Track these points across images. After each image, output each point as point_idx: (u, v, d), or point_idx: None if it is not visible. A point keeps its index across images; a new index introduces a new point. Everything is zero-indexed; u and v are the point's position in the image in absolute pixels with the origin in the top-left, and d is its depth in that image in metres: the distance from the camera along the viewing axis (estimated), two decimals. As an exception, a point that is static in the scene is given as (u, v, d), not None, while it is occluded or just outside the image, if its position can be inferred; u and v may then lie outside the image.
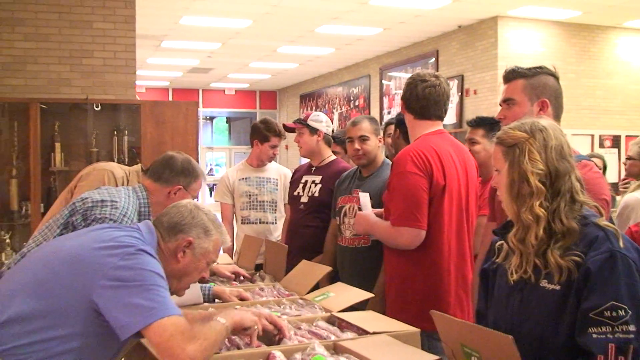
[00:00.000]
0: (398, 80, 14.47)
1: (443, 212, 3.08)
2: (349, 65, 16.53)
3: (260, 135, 5.00)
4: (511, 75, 2.70)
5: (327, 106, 18.05)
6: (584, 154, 2.61)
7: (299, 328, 2.60)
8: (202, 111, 20.70)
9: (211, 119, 23.91)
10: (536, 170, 1.95)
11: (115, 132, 7.05)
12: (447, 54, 12.84)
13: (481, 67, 11.78)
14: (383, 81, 15.04)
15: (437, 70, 12.97)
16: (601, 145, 12.00)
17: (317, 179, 4.43)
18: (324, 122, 4.51)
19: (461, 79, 12.32)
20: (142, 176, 3.29)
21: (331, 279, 3.87)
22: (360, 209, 3.42)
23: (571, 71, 11.64)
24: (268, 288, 3.35)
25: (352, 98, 16.67)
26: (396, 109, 14.30)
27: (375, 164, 3.92)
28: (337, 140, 4.93)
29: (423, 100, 3.23)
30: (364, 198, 3.45)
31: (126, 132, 7.02)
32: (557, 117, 2.65)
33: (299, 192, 4.52)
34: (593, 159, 5.02)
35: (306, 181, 4.52)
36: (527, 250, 1.97)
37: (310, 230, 4.32)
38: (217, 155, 24.12)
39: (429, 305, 2.89)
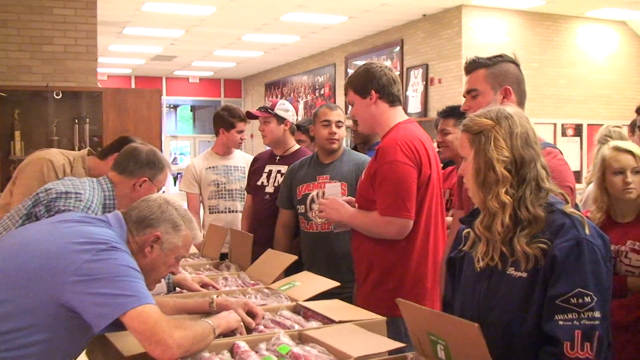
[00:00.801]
0: (363, 69, 14.40)
1: (427, 202, 3.07)
2: (315, 53, 16.48)
3: (225, 122, 4.94)
4: (472, 66, 2.68)
5: (292, 95, 17.98)
6: (548, 142, 2.61)
7: (263, 318, 2.57)
8: (166, 99, 20.47)
9: (175, 107, 23.66)
10: (502, 157, 1.94)
11: (77, 120, 6.95)
12: (412, 43, 12.85)
13: (446, 56, 11.82)
14: (348, 70, 15.00)
15: (403, 59, 13.00)
16: (564, 134, 12.16)
17: (283, 168, 4.38)
18: (290, 112, 4.46)
19: (426, 68, 12.35)
20: (95, 162, 3.21)
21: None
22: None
23: (535, 60, 11.75)
24: (232, 277, 3.30)
25: (317, 87, 16.63)
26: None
27: (339, 151, 3.92)
28: (302, 129, 4.89)
29: (398, 84, 3.21)
30: (334, 189, 3.42)
31: (87, 120, 6.92)
32: (520, 104, 2.65)
33: (263, 182, 4.45)
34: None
35: (270, 171, 4.45)
36: (493, 238, 1.97)
37: (276, 220, 4.27)
38: (182, 144, 23.89)
39: (412, 295, 2.89)
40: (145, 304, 2.01)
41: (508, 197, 1.92)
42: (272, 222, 4.19)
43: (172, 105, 23.15)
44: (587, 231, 1.88)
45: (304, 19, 12.49)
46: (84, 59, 7.22)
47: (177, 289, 3.07)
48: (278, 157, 4.47)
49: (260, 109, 4.48)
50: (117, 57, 16.97)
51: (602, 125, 4.71)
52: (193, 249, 4.14)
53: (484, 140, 1.98)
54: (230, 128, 4.93)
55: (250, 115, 4.77)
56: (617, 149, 3.08)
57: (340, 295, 2.99)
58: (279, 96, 18.35)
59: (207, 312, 2.54)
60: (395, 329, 2.61)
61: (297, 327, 2.45)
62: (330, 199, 3.27)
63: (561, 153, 2.59)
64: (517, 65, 2.70)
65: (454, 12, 11.63)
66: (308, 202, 3.86)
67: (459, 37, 11.51)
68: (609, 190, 3.09)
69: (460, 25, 11.49)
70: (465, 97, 2.73)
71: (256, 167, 4.59)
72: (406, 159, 3.01)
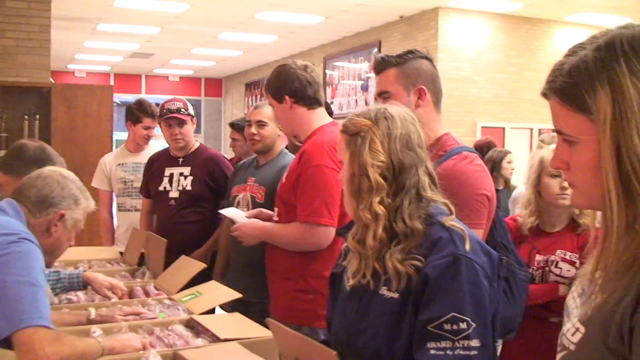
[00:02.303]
0: (341, 70, 14.26)
1: None
2: (294, 54, 16.24)
3: (132, 116, 4.72)
4: (381, 66, 2.44)
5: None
6: (464, 147, 2.39)
7: (151, 333, 2.36)
8: (145, 98, 20.13)
9: (156, 105, 23.35)
10: (377, 162, 1.72)
11: (26, 117, 6.70)
12: (389, 45, 12.65)
13: (422, 59, 11.59)
14: (327, 71, 14.81)
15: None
16: (552, 139, 11.96)
17: (186, 170, 4.15)
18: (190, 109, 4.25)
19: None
20: None
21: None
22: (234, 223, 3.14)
23: (512, 64, 11.56)
24: (138, 287, 3.09)
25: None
26: (339, 99, 14.12)
27: (272, 152, 3.71)
28: (236, 127, 4.69)
29: (315, 85, 3.01)
30: (232, 213, 3.20)
31: (37, 116, 6.67)
32: (436, 103, 2.43)
33: (165, 187, 4.18)
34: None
35: (172, 174, 4.19)
36: (365, 253, 1.74)
37: (185, 227, 4.04)
38: (163, 143, 23.56)
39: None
40: (37, 325, 1.88)
41: (382, 208, 1.70)
42: (187, 228, 3.97)
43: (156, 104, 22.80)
44: (467, 247, 1.65)
45: (279, 18, 12.27)
46: (37, 54, 6.98)
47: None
48: (181, 159, 4.22)
49: (177, 111, 4.13)
50: (94, 54, 16.72)
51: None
52: (114, 254, 3.93)
53: (360, 142, 1.76)
54: (136, 122, 4.71)
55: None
56: None
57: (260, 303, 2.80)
58: (259, 96, 18.11)
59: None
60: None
61: (179, 344, 2.25)
62: (241, 225, 3.05)
63: (481, 158, 2.38)
64: (430, 60, 2.48)
65: (430, 14, 11.44)
66: (235, 204, 3.65)
67: (435, 39, 11.31)
68: (542, 194, 2.88)
69: (437, 27, 11.29)
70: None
71: (154, 171, 4.29)
72: (332, 163, 2.81)
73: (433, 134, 2.36)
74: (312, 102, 2.98)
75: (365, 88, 13.35)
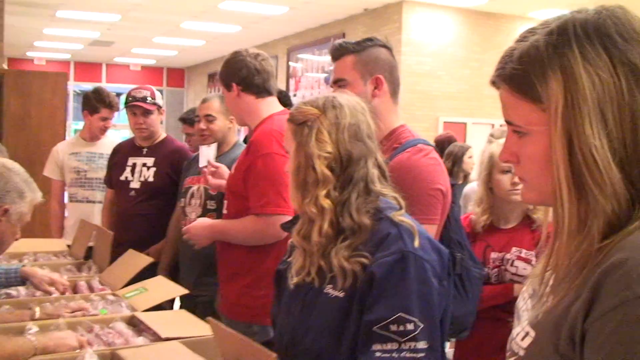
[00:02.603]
0: (305, 62, 14.15)
1: None
2: (257, 45, 16.06)
3: (89, 105, 4.56)
4: (338, 52, 2.35)
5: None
6: (420, 139, 2.31)
7: (90, 331, 2.25)
8: (107, 86, 19.76)
9: (118, 95, 23.02)
10: (324, 153, 1.63)
11: (-23, 104, 6.48)
12: (353, 37, 12.38)
13: (385, 52, 11.52)
14: (290, 63, 14.69)
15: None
16: (502, 134, 11.99)
17: (149, 161, 4.03)
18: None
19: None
20: None
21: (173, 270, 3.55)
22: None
23: (475, 59, 11.55)
24: (82, 282, 2.96)
25: (259, 79, 16.24)
26: (302, 92, 14.01)
27: (226, 145, 3.61)
28: (188, 122, 4.57)
29: (264, 74, 2.92)
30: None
31: (-12, 104, 6.46)
32: (394, 93, 2.35)
33: (127, 177, 4.06)
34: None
35: (134, 164, 4.08)
36: (311, 249, 1.65)
37: (144, 219, 3.92)
38: (123, 133, 23.25)
39: None
40: None
41: (329, 201, 1.61)
42: (140, 221, 3.85)
43: (115, 94, 22.46)
44: (416, 243, 1.57)
45: (243, 8, 12.11)
46: (-12, 39, 6.75)
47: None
48: (145, 149, 4.10)
49: (143, 99, 4.02)
50: (54, 42, 16.34)
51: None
52: (61, 247, 3.80)
53: (306, 132, 1.67)
54: (93, 112, 4.55)
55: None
56: None
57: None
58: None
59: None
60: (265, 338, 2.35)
61: (118, 343, 2.14)
62: (191, 226, 2.94)
63: (436, 151, 2.31)
64: (390, 50, 2.40)
65: (394, 7, 11.37)
66: (188, 196, 3.54)
67: (399, 33, 11.25)
68: (494, 190, 2.81)
69: (401, 21, 11.23)
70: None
71: (117, 160, 4.18)
72: (282, 150, 2.71)
73: (388, 125, 2.29)
74: (260, 90, 2.89)
75: (328, 81, 13.25)
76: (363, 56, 2.32)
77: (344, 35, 12.78)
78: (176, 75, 20.98)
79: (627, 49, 1.00)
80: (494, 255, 2.75)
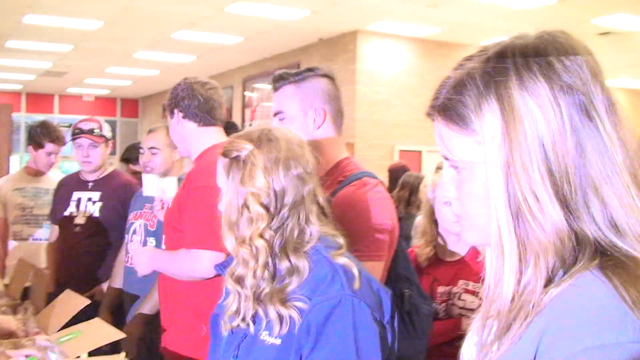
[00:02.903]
0: (261, 92, 14.10)
1: None
2: (213, 74, 15.96)
3: (34, 140, 4.39)
4: (278, 83, 2.27)
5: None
6: (366, 171, 2.23)
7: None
8: (59, 118, 19.40)
9: (70, 126, 22.66)
10: (257, 190, 1.54)
11: None
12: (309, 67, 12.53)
13: (340, 82, 11.25)
14: (246, 92, 14.63)
15: (299, 83, 12.69)
16: (456, 163, 12.05)
17: (95, 195, 3.89)
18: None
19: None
20: None
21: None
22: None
23: (429, 88, 11.21)
24: (18, 324, 2.80)
25: (214, 109, 16.13)
26: (258, 121, 13.93)
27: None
28: (131, 160, 4.45)
29: (210, 102, 2.81)
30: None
31: None
32: (336, 124, 2.27)
33: (71, 212, 3.91)
34: None
35: (79, 199, 3.92)
36: (245, 293, 1.54)
37: (90, 256, 3.77)
38: (77, 165, 22.85)
39: None
40: None
41: (263, 241, 1.52)
42: (87, 259, 3.70)
43: (67, 125, 22.12)
44: (355, 285, 1.48)
45: (196, 38, 12.03)
46: None
47: None
48: (91, 183, 3.96)
49: (90, 132, 3.89)
50: (4, 72, 16.05)
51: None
52: (-3, 286, 3.62)
53: (239, 167, 1.57)
54: (38, 147, 4.38)
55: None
56: None
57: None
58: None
59: None
60: None
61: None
62: (135, 252, 2.84)
63: (383, 184, 2.23)
64: (332, 79, 2.32)
65: (349, 37, 11.41)
66: (130, 232, 3.41)
67: (353, 62, 11.28)
68: (439, 222, 2.73)
69: (355, 50, 11.27)
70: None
71: (61, 194, 4.02)
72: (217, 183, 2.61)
73: (332, 158, 2.20)
74: (203, 119, 2.78)
75: (284, 110, 13.20)
76: (303, 87, 2.24)
77: (299, 65, 12.77)
78: (130, 106, 20.75)
79: (569, 75, 0.92)
80: (441, 289, 2.67)
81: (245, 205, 1.53)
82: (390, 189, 5.51)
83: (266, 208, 1.54)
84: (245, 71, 14.75)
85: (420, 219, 4.36)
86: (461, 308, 2.63)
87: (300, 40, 12.30)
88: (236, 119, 14.88)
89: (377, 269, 2.00)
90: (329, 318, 1.44)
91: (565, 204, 0.91)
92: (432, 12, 10.06)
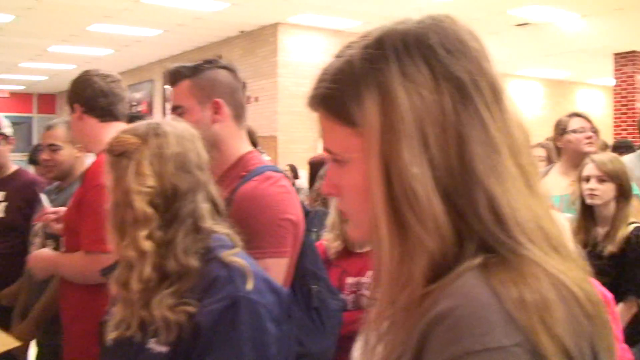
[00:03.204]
0: (182, 86, 13.84)
1: None
2: (132, 68, 15.62)
3: None
4: (174, 78, 2.18)
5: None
6: (270, 165, 2.16)
7: None
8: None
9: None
10: (144, 188, 1.44)
11: None
12: (230, 60, 12.31)
13: (262, 75, 11.45)
14: (166, 86, 14.33)
15: (221, 76, 12.53)
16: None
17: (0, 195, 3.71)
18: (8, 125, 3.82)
19: (243, 85, 11.92)
20: None
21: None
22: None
23: (351, 81, 11.61)
24: None
25: (134, 103, 15.77)
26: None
27: (73, 176, 3.32)
28: (36, 161, 4.27)
29: (111, 96, 2.69)
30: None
31: None
32: (237, 117, 2.18)
33: None
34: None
35: None
36: (131, 298, 1.45)
37: (1, 259, 3.58)
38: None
39: None
40: None
41: (150, 243, 1.42)
42: None
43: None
44: (249, 286, 1.41)
45: (113, 31, 11.71)
46: None
47: None
48: None
49: None
50: None
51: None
52: None
53: (125, 164, 1.48)
54: None
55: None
56: None
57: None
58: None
59: None
60: None
61: None
62: (31, 255, 2.68)
63: (287, 178, 2.16)
64: (232, 71, 2.24)
65: (270, 29, 11.32)
66: (32, 234, 3.25)
67: (274, 55, 11.20)
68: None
69: (276, 43, 11.19)
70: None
71: None
72: None
73: (234, 152, 2.13)
74: (105, 114, 2.65)
75: (206, 104, 13.01)
76: (199, 80, 2.15)
77: (220, 58, 12.58)
78: (47, 101, 20.10)
79: (452, 62, 0.87)
80: (349, 280, 2.64)
81: (131, 205, 1.44)
82: (312, 182, 5.45)
83: (155, 207, 1.45)
84: (166, 64, 14.35)
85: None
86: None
87: (220, 33, 12.14)
88: (157, 113, 14.61)
89: (280, 265, 1.93)
90: (220, 322, 1.37)
91: (447, 198, 0.85)
92: (353, 5, 10.07)
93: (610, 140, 9.27)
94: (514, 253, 0.84)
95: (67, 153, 3.27)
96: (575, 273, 0.85)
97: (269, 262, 1.89)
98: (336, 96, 0.91)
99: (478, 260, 0.83)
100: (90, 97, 2.66)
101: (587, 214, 3.33)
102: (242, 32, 11.92)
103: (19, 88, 19.08)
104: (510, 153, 0.87)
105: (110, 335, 1.47)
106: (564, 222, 1.99)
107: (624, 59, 13.03)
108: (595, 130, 3.99)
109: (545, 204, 0.90)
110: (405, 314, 0.87)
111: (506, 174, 0.86)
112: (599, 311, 0.84)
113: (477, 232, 0.85)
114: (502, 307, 0.78)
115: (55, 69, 15.85)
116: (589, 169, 3.29)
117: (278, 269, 1.91)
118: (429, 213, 0.85)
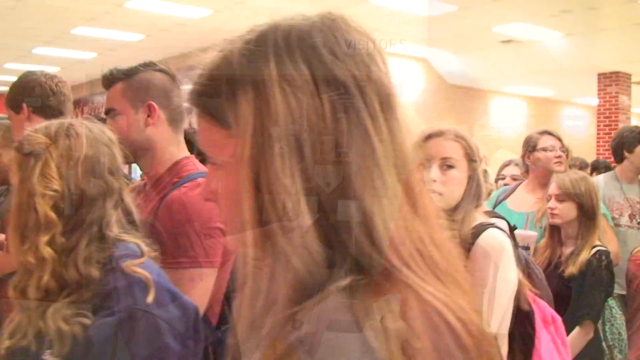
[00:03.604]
0: (166, 92, 13.77)
1: None
2: (117, 72, 15.50)
3: None
4: (109, 80, 2.12)
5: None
6: (203, 172, 2.08)
7: None
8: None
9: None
10: (49, 191, 1.36)
11: None
12: (213, 66, 12.32)
13: (245, 82, 11.34)
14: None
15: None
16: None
17: None
18: None
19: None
20: None
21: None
22: None
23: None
24: None
25: (117, 108, 15.68)
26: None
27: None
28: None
29: (60, 96, 2.65)
30: None
31: None
32: (173, 121, 2.09)
33: None
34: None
35: None
36: (28, 307, 1.36)
37: None
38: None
39: None
40: None
41: (50, 250, 1.34)
42: None
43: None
44: (149, 298, 1.33)
45: (97, 34, 11.61)
46: None
47: None
48: None
49: None
50: None
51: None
52: None
53: (31, 164, 1.40)
54: None
55: None
56: None
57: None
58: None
59: None
60: None
61: None
62: None
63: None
64: (170, 75, 2.17)
65: (254, 37, 11.26)
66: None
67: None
68: None
69: (260, 51, 11.13)
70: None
71: None
72: None
73: (168, 157, 2.05)
74: (55, 114, 2.58)
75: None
76: (133, 82, 2.09)
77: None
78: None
79: (336, 66, 0.80)
80: None
81: (34, 208, 1.36)
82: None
83: (58, 212, 1.37)
84: (150, 70, 14.37)
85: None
86: None
87: (203, 40, 12.03)
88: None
89: (209, 276, 1.85)
90: (111, 336, 1.29)
91: (320, 213, 0.77)
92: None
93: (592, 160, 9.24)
94: (386, 276, 0.76)
95: (6, 160, 3.16)
96: (457, 301, 0.77)
97: (197, 273, 1.81)
98: (211, 94, 0.84)
99: (346, 282, 0.75)
100: (40, 95, 2.60)
101: (555, 233, 3.27)
102: (225, 39, 11.84)
103: (3, 89, 18.91)
104: (394, 168, 0.80)
105: (4, 343, 1.39)
106: (503, 240, 1.90)
107: (608, 79, 13.04)
108: (565, 150, 3.93)
109: (433, 226, 0.82)
110: (270, 337, 0.79)
111: (384, 191, 0.78)
112: (478, 344, 0.76)
113: (350, 252, 0.77)
114: (362, 335, 0.70)
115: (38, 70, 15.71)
116: (551, 187, 3.24)
117: (206, 280, 1.84)
118: (298, 227, 0.77)
